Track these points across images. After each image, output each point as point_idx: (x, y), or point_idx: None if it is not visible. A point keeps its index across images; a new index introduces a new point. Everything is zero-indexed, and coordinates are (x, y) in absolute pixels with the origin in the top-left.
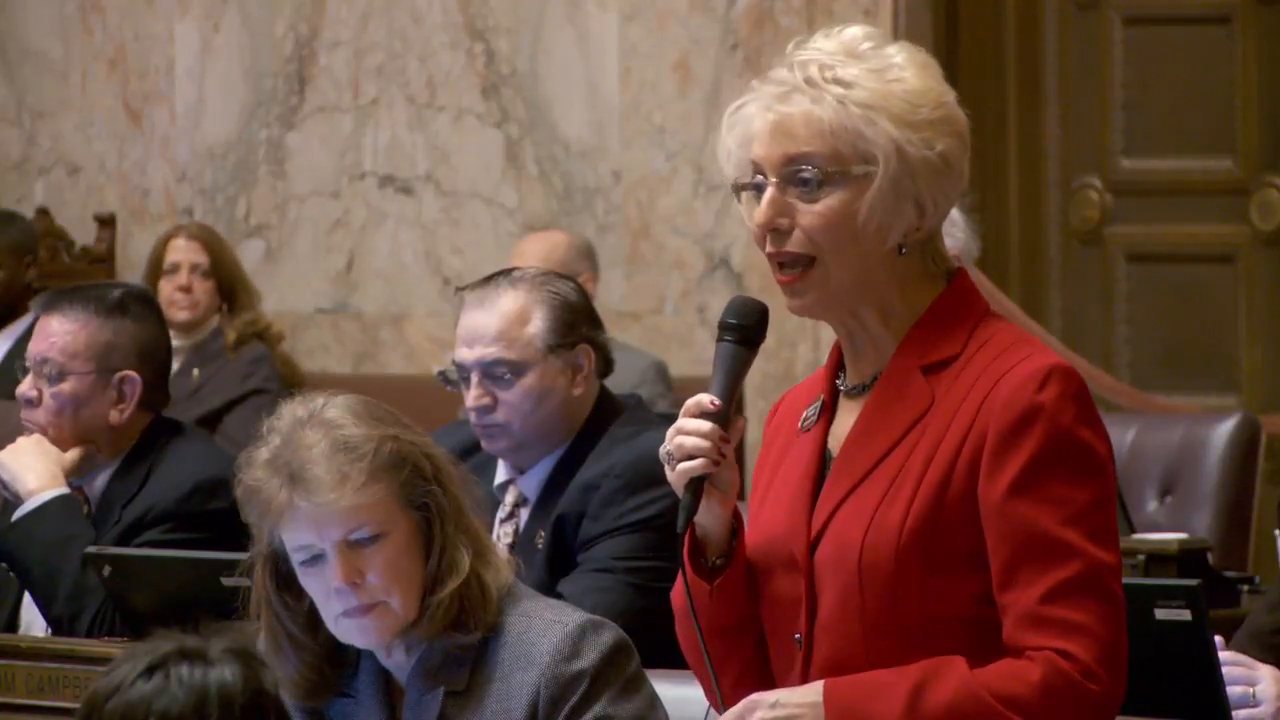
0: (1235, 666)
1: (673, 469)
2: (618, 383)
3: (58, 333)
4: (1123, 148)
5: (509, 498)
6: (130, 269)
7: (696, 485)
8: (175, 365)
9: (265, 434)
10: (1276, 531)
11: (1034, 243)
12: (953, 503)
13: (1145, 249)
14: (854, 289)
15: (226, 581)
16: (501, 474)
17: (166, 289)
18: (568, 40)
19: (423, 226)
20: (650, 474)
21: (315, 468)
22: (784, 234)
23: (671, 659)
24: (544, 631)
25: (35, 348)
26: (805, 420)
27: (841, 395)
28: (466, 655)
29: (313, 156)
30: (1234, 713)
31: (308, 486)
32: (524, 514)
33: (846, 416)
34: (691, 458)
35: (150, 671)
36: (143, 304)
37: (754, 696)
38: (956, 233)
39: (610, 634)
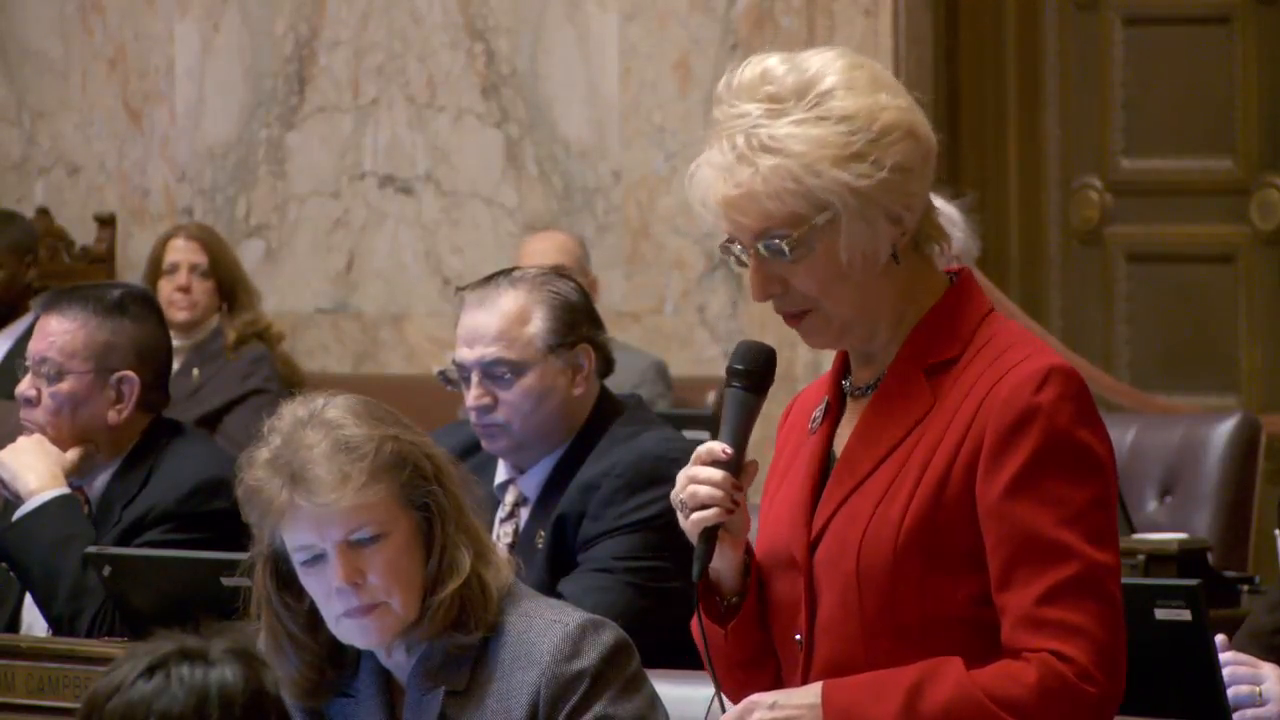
0: (1239, 666)
1: (686, 517)
2: (618, 383)
3: (56, 332)
4: (1123, 148)
5: (509, 497)
6: (130, 269)
7: (710, 534)
8: (175, 365)
9: (266, 434)
10: (1276, 531)
11: (1034, 243)
12: (951, 503)
13: (1145, 249)
14: (861, 317)
15: (226, 581)
16: (501, 474)
17: (166, 289)
18: (568, 40)
19: (423, 226)
20: (650, 474)
21: (316, 468)
22: (782, 296)
23: (671, 659)
24: (544, 631)
25: (34, 347)
26: (813, 422)
27: (847, 397)
28: (467, 655)
29: (313, 156)
30: (1240, 713)
31: (309, 487)
32: (524, 514)
33: (852, 418)
34: (705, 506)
35: (151, 671)
36: (142, 304)
37: (753, 698)
38: (956, 232)
39: (611, 634)
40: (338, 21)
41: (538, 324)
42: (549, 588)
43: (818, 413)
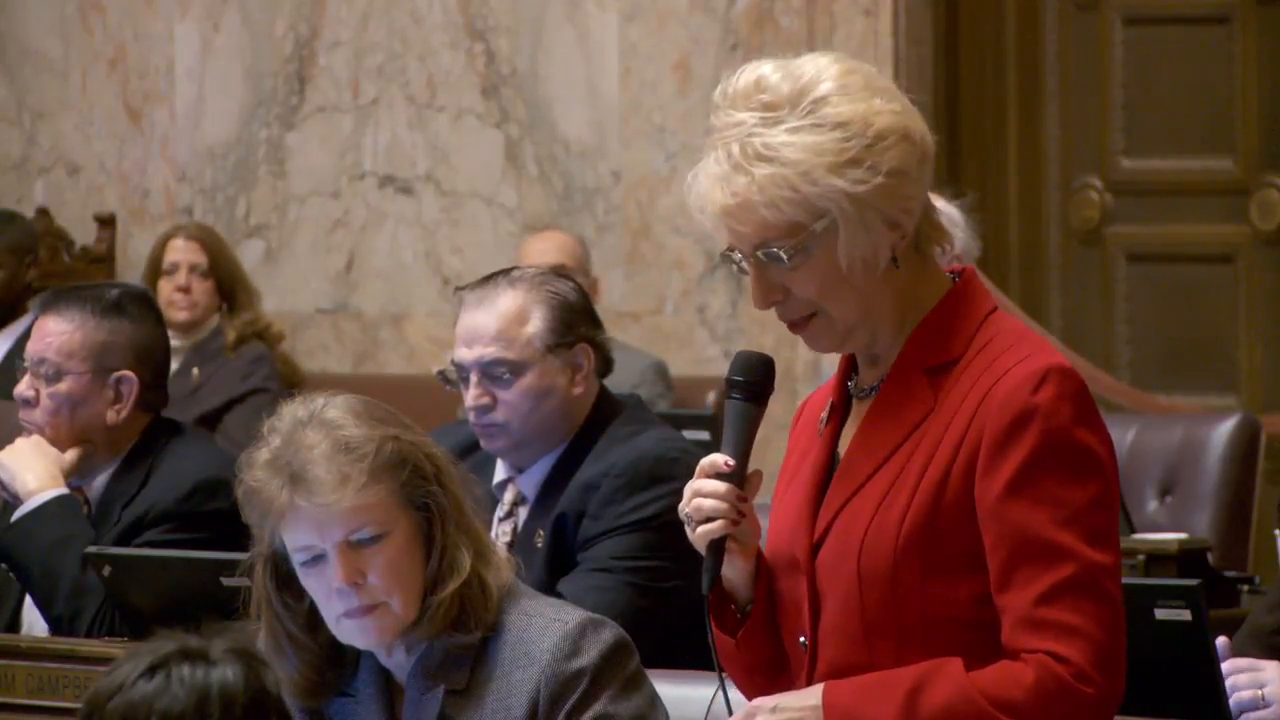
0: (1240, 674)
1: (692, 531)
2: (618, 383)
3: (54, 333)
4: (1123, 148)
5: (507, 496)
6: (130, 269)
7: (717, 546)
8: (175, 365)
9: (266, 434)
10: (1276, 531)
11: (1034, 243)
12: (950, 504)
13: (1145, 249)
14: (864, 320)
15: (226, 581)
16: (500, 473)
17: (166, 289)
18: (568, 40)
19: (423, 226)
20: (650, 473)
21: (316, 468)
22: (784, 303)
23: (671, 659)
24: (544, 630)
25: (32, 348)
26: (820, 424)
27: (853, 398)
28: (466, 654)
29: (313, 156)
30: (1244, 716)
31: (309, 487)
32: (522, 513)
33: (856, 419)
34: (710, 519)
35: (152, 671)
36: (140, 304)
37: (755, 702)
38: (957, 232)
39: (610, 632)
40: (338, 21)
41: (536, 324)
42: (548, 587)
43: (824, 414)
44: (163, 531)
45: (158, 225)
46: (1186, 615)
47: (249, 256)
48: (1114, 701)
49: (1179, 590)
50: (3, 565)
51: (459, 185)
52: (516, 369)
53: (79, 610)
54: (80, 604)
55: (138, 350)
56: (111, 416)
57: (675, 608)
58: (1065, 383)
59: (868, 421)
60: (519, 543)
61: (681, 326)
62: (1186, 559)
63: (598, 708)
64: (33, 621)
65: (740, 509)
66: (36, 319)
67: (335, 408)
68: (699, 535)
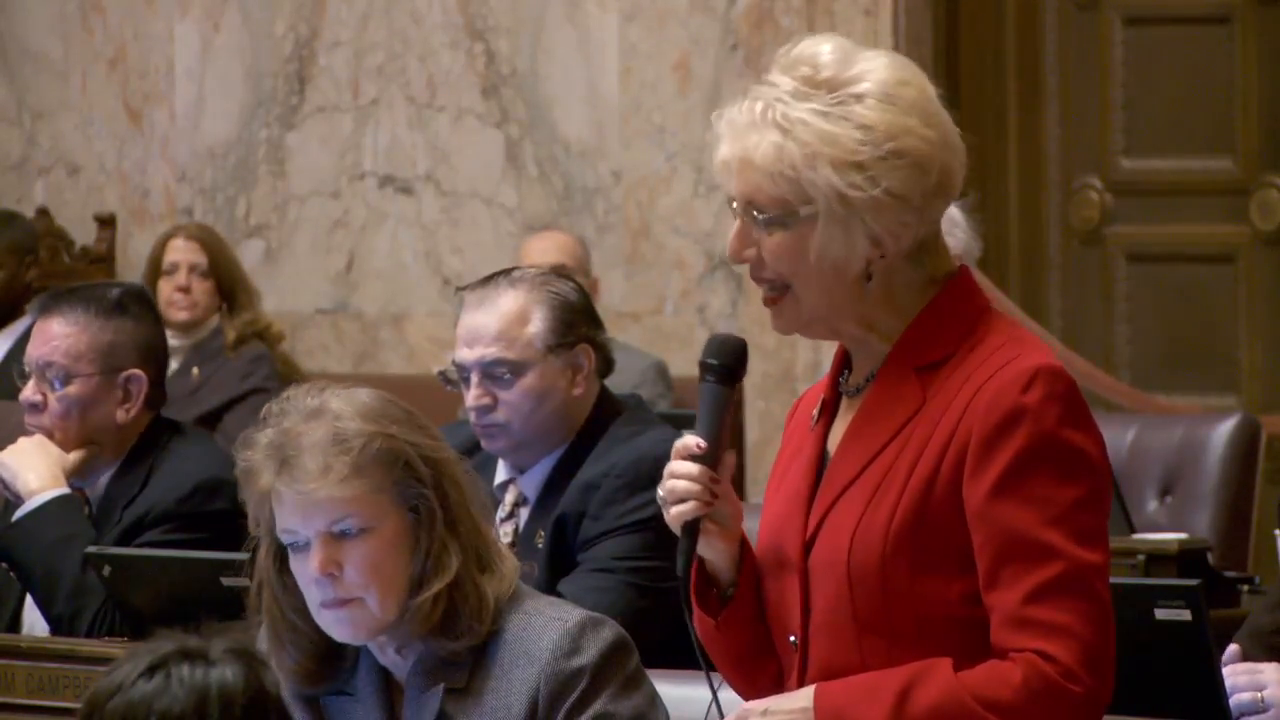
0: (1239, 675)
1: (669, 513)
2: (618, 383)
3: (59, 335)
4: (1123, 148)
5: (509, 497)
6: (130, 269)
7: (692, 528)
8: (175, 365)
9: (275, 415)
10: (1276, 531)
11: (1034, 243)
12: (938, 504)
13: (1145, 249)
14: (828, 313)
15: (226, 582)
16: (501, 473)
17: (165, 289)
18: (568, 40)
19: (423, 226)
20: (651, 474)
21: (304, 456)
22: (756, 264)
23: (671, 659)
24: (544, 628)
25: (36, 352)
26: (812, 420)
27: (843, 395)
28: (463, 656)
29: (313, 156)
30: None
31: (293, 473)
32: (523, 513)
33: (846, 416)
34: (684, 500)
35: (151, 671)
36: (140, 303)
37: (746, 705)
38: (958, 232)
39: (610, 631)
40: (338, 22)
41: (537, 324)
42: (549, 587)
43: (815, 411)
44: (163, 532)
45: (158, 225)
46: (1186, 615)
47: (249, 256)
48: (1102, 701)
49: (1179, 590)
50: (3, 565)
51: (459, 185)
52: (517, 369)
53: (79, 610)
54: (81, 604)
55: (142, 348)
56: (121, 416)
57: (675, 608)
58: (1054, 383)
59: (857, 419)
60: (520, 543)
61: (681, 326)
62: (1186, 559)
63: (597, 706)
64: (33, 621)
65: (714, 490)
66: (36, 322)
67: (342, 399)
68: (673, 516)
